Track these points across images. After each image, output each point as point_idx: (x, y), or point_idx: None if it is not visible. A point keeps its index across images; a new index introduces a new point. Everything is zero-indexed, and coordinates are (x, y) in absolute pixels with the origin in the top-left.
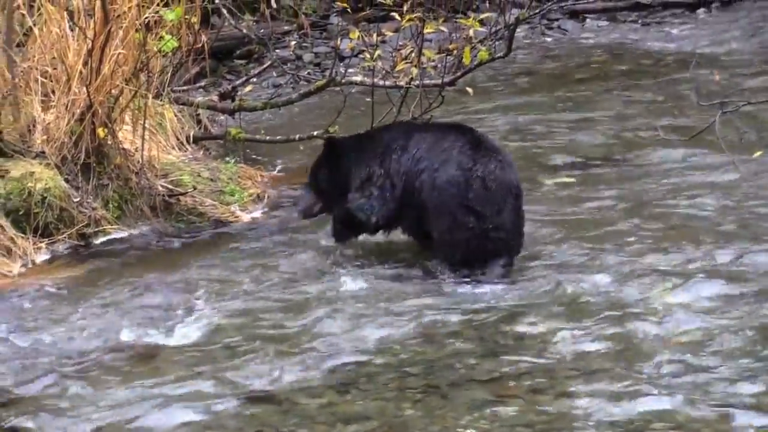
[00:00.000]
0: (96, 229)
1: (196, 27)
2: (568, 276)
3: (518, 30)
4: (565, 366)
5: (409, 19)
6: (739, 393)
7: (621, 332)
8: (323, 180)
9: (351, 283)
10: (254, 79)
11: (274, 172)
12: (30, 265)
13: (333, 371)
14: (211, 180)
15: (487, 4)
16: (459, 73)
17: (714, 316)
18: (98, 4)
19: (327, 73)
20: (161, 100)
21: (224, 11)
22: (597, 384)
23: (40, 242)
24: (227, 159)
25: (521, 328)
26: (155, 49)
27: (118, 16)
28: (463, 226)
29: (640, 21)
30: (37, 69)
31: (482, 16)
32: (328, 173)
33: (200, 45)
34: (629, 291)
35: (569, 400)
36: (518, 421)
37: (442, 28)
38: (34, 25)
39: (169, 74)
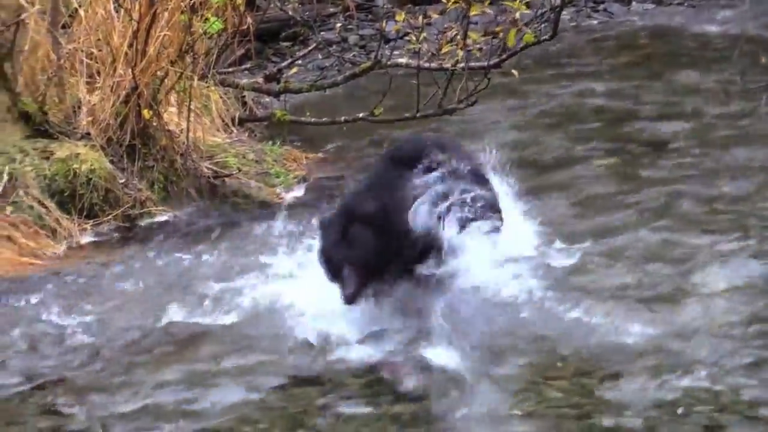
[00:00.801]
0: (141, 211)
1: (242, 9)
2: (610, 259)
3: (564, 13)
4: (610, 349)
5: (455, 2)
6: None
7: (665, 315)
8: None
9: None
10: (299, 62)
11: (320, 154)
12: (75, 246)
13: (376, 351)
14: (256, 162)
15: None
16: (504, 56)
17: (759, 299)
18: None
19: (372, 55)
20: (206, 82)
21: None
22: (642, 366)
23: (85, 223)
24: (272, 141)
25: (565, 312)
26: (201, 30)
27: None
28: None
29: (686, 3)
30: (82, 50)
31: None
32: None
33: (245, 27)
34: (673, 274)
35: (615, 383)
36: (564, 402)
37: (488, 10)
38: (80, 6)
39: (215, 56)
